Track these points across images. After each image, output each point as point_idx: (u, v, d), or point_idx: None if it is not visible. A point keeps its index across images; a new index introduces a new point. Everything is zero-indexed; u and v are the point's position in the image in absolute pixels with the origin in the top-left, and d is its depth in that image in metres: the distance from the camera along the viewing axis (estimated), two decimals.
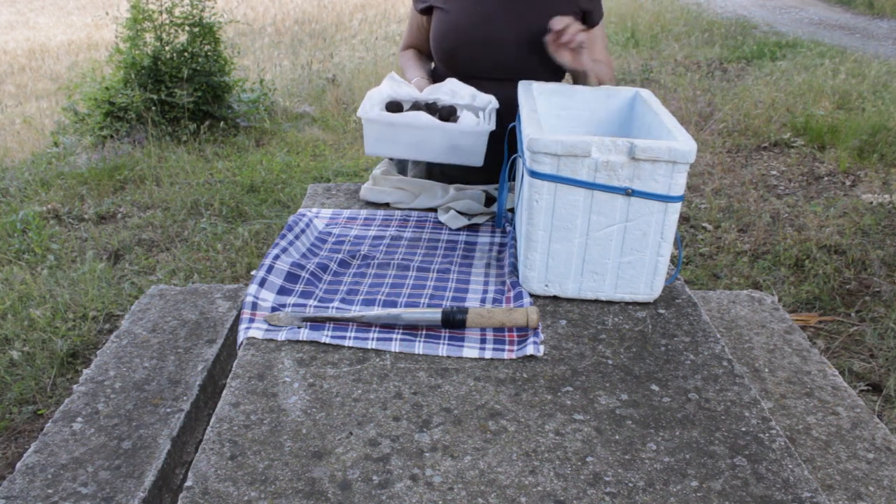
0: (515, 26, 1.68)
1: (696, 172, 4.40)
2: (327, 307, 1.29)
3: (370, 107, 1.58)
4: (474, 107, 1.66)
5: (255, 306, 1.29)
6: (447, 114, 1.61)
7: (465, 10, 1.69)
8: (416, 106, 1.64)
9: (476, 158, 1.60)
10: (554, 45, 1.60)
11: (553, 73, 1.72)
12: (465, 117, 1.59)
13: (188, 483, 0.92)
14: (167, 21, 5.06)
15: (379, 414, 1.05)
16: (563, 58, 1.62)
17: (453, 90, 1.65)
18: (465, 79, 1.72)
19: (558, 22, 1.56)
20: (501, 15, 1.68)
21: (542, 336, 1.22)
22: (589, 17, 1.75)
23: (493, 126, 1.56)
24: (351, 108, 5.89)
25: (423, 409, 1.06)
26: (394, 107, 1.63)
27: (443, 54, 1.76)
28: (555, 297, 1.35)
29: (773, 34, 8.48)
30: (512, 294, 1.33)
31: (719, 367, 1.17)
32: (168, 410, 1.61)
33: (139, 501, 1.36)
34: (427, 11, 1.78)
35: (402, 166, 1.91)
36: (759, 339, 1.95)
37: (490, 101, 1.64)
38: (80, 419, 1.58)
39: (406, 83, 1.69)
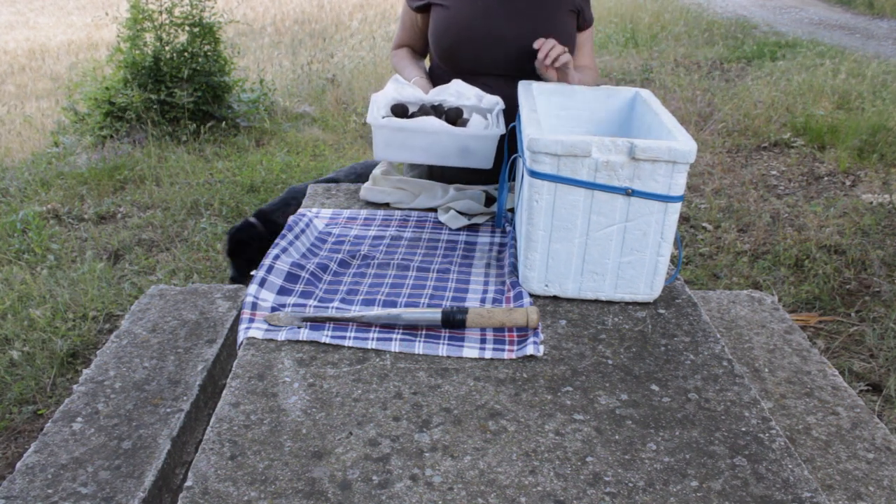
0: (515, 23, 1.68)
1: (696, 172, 4.40)
2: (327, 307, 1.29)
3: (377, 112, 1.58)
4: (481, 108, 1.65)
5: (255, 306, 1.29)
6: (454, 116, 1.61)
7: (465, 6, 1.69)
8: (422, 108, 1.64)
9: (486, 162, 1.60)
10: (542, 66, 1.61)
11: None
12: (475, 121, 1.58)
13: (188, 483, 0.92)
14: (167, 21, 5.06)
15: (379, 414, 1.05)
16: (550, 76, 1.63)
17: (459, 91, 1.65)
18: (466, 75, 1.72)
19: (539, 44, 1.58)
20: (501, 11, 1.68)
21: (542, 336, 1.22)
22: (581, 17, 1.75)
23: (502, 129, 1.56)
24: (351, 108, 5.89)
25: (423, 409, 1.06)
26: (399, 110, 1.63)
27: (442, 51, 1.75)
28: (555, 297, 1.35)
29: (773, 34, 8.48)
30: (512, 294, 1.33)
31: (719, 367, 1.17)
32: (168, 410, 1.61)
33: (139, 501, 1.36)
34: (423, 9, 1.77)
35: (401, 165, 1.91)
36: (759, 339, 1.95)
37: (497, 103, 1.63)
38: (80, 419, 1.58)
39: (410, 85, 1.69)
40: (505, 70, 1.71)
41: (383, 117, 1.58)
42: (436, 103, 1.64)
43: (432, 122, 1.54)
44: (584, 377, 1.14)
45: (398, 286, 1.38)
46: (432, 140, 1.56)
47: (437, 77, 1.81)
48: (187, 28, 5.12)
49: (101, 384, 1.70)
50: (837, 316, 2.87)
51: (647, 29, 8.74)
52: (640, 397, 1.09)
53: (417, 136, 1.56)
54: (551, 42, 1.58)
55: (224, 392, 1.09)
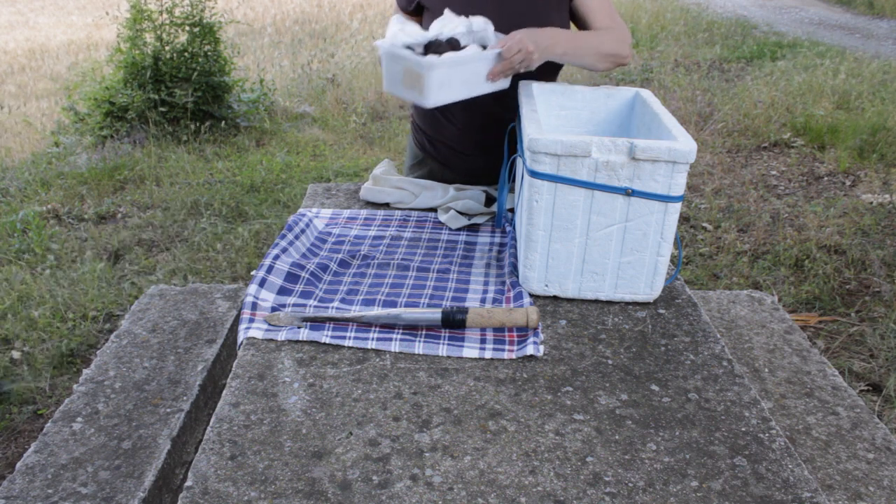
0: (507, 27, 1.67)
1: (696, 172, 4.40)
2: (327, 307, 1.29)
3: (411, 54, 1.46)
4: (473, 32, 1.57)
5: (255, 306, 1.29)
6: (456, 45, 1.53)
7: (457, 12, 1.68)
8: (435, 43, 1.54)
9: (507, 81, 1.55)
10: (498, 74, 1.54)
11: (548, 71, 1.72)
12: (492, 39, 1.52)
13: (188, 483, 0.92)
14: (167, 21, 5.05)
15: (379, 414, 1.05)
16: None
17: (449, 20, 1.57)
18: None
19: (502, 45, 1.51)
20: (494, 17, 1.67)
21: (542, 336, 1.22)
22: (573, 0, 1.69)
23: None
24: (351, 108, 5.89)
25: (423, 409, 1.06)
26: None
27: None
28: (555, 297, 1.35)
29: (773, 34, 8.48)
30: (512, 294, 1.33)
31: (719, 367, 1.17)
32: (168, 410, 1.61)
33: (139, 501, 1.36)
34: (416, 12, 1.76)
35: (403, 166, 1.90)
36: (759, 339, 1.95)
37: (486, 23, 1.57)
38: (80, 419, 1.58)
39: (411, 23, 1.60)
40: None
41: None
42: (435, 38, 1.55)
43: (475, 50, 1.47)
44: (584, 377, 1.14)
45: (398, 286, 1.38)
46: (472, 70, 1.48)
47: None
48: (187, 28, 5.12)
49: (101, 384, 1.70)
50: (837, 316, 2.87)
51: (647, 29, 8.73)
52: (640, 397, 1.09)
53: (463, 70, 1.47)
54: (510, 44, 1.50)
55: (224, 392, 1.09)
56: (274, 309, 1.29)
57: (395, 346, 1.19)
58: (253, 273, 1.38)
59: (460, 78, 1.48)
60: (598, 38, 1.63)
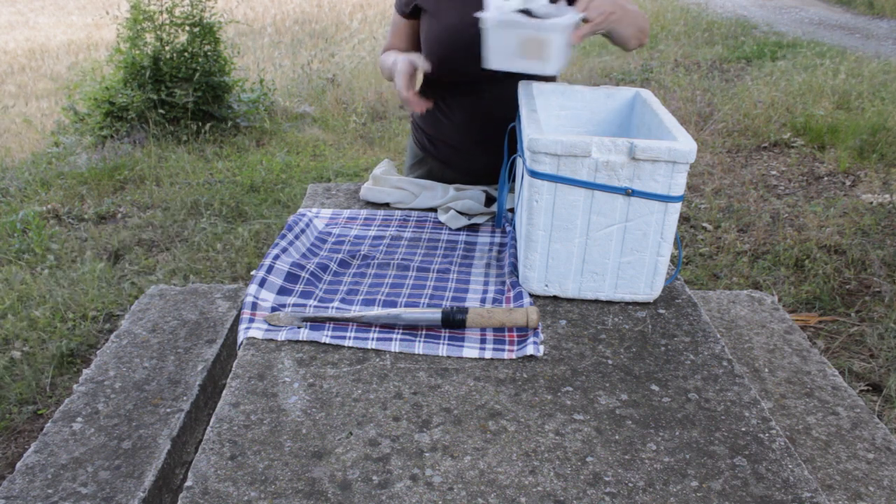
0: None
1: (696, 172, 4.40)
2: (327, 307, 1.29)
3: (531, 20, 1.41)
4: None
5: (255, 306, 1.29)
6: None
7: (454, 14, 1.68)
8: (526, 14, 1.50)
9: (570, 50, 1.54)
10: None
11: None
12: (564, 8, 1.50)
13: (188, 483, 0.92)
14: (167, 21, 5.06)
15: (379, 414, 1.05)
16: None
17: None
18: (461, 81, 1.71)
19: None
20: None
21: (542, 336, 1.22)
22: None
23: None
24: (351, 108, 5.89)
25: (423, 409, 1.06)
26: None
27: (436, 59, 1.75)
28: (555, 297, 1.35)
29: (773, 34, 8.48)
30: (512, 294, 1.33)
31: (719, 367, 1.17)
32: (168, 410, 1.61)
33: (139, 501, 1.36)
34: (413, 15, 1.76)
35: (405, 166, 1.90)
36: (759, 339, 1.95)
37: None
38: (80, 419, 1.58)
39: None
40: (503, 73, 1.70)
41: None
42: (521, 8, 1.50)
43: (572, 14, 1.44)
44: (584, 377, 1.14)
45: (398, 286, 1.38)
46: (567, 36, 1.44)
47: (433, 84, 1.80)
48: (187, 28, 5.12)
49: (101, 384, 1.70)
50: (837, 316, 2.87)
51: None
52: (640, 397, 1.09)
53: (566, 34, 1.43)
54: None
55: (224, 392, 1.09)
56: (274, 309, 1.29)
57: (395, 346, 1.19)
58: (253, 273, 1.39)
59: (567, 44, 1.46)
60: (634, 11, 1.62)
